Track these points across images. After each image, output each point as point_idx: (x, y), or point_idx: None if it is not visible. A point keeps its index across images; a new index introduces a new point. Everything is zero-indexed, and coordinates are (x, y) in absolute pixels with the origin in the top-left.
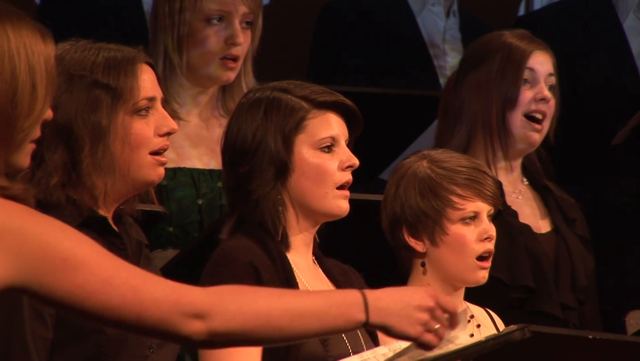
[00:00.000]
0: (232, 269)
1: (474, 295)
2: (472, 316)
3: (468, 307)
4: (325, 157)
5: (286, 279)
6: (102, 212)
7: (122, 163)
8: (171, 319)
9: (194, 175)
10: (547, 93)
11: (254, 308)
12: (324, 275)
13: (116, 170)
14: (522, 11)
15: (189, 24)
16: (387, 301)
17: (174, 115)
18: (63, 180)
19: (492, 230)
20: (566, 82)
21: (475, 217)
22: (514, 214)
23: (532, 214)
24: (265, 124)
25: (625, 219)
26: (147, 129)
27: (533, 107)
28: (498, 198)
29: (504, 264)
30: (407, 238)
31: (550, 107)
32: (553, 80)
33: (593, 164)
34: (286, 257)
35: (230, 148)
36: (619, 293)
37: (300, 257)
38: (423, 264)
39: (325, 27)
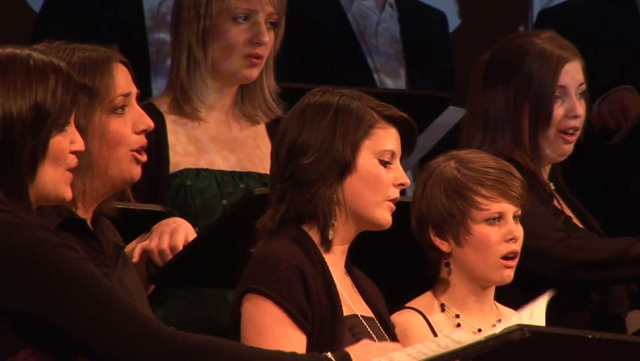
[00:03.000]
0: (281, 270)
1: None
2: (499, 320)
3: (497, 308)
4: (382, 169)
5: (326, 284)
6: (80, 213)
7: (100, 162)
8: None
9: (217, 176)
10: (579, 110)
11: None
12: (352, 283)
13: (94, 169)
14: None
15: (214, 20)
16: None
17: (194, 115)
18: None
19: (517, 231)
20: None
21: (500, 218)
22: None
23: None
24: (335, 126)
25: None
26: (124, 127)
27: (565, 123)
28: (524, 199)
29: None
30: (433, 238)
31: (581, 119)
32: (584, 87)
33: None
34: (326, 263)
35: (291, 142)
36: None
37: (337, 263)
38: (447, 265)
39: None
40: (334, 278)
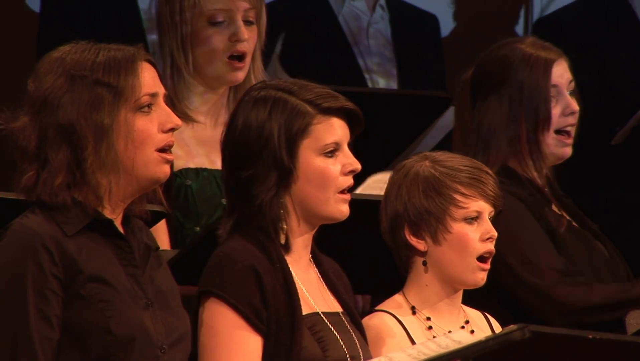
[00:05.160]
0: (234, 273)
1: None
2: (467, 322)
3: (464, 311)
4: (328, 162)
5: (285, 283)
6: (107, 213)
7: (126, 161)
8: None
9: (216, 175)
10: (574, 106)
11: None
12: (318, 277)
13: (120, 168)
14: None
15: (190, 24)
16: None
17: (186, 117)
18: (67, 180)
19: (493, 231)
20: (590, 78)
21: (477, 217)
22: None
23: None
24: (270, 123)
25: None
26: (150, 125)
27: (563, 121)
28: (499, 198)
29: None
30: (408, 237)
31: (576, 116)
32: (573, 84)
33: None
34: (285, 260)
35: (233, 146)
36: None
37: (299, 259)
38: (425, 263)
39: None
40: (294, 276)
